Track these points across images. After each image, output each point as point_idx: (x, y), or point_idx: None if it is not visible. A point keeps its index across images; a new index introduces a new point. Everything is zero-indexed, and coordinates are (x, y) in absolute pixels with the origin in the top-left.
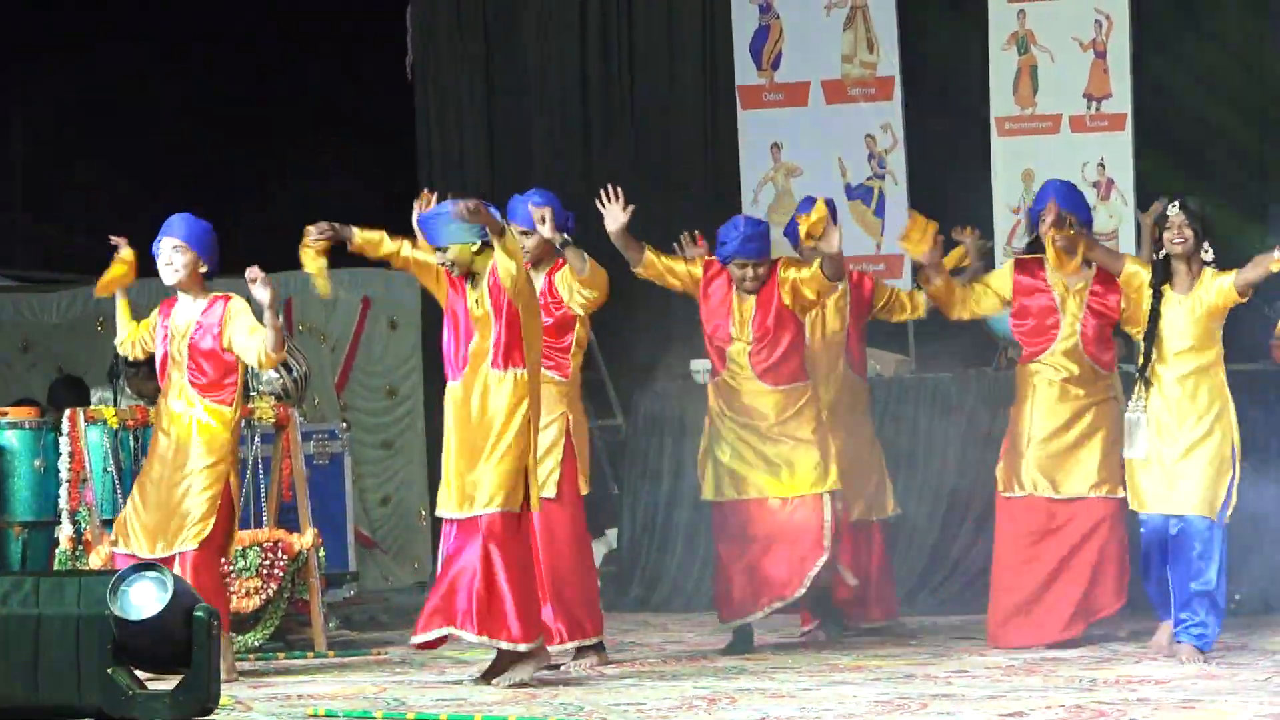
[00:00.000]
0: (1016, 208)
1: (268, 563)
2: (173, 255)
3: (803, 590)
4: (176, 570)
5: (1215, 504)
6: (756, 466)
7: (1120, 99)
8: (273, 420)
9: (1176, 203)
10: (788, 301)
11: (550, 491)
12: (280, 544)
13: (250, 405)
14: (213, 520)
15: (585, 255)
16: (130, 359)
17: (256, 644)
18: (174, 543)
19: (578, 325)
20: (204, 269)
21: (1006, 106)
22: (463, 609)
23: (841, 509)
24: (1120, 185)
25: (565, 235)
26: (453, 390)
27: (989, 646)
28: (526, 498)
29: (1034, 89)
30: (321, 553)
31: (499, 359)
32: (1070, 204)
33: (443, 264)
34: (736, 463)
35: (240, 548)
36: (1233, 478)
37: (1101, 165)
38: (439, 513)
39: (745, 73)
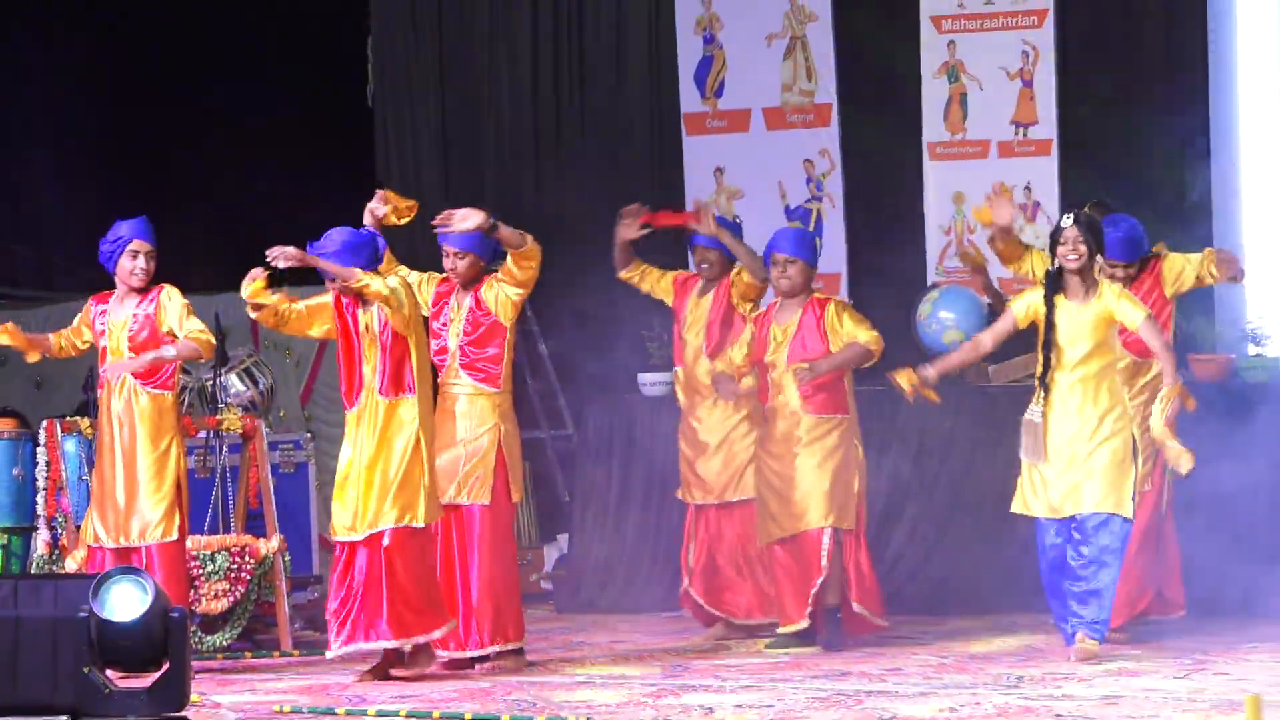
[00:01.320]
0: (948, 228)
1: (235, 566)
2: (145, 260)
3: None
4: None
5: (1123, 500)
6: None
7: (1046, 125)
8: (240, 431)
9: (1071, 217)
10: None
11: (483, 498)
12: (247, 548)
13: (219, 416)
14: (176, 514)
15: (520, 231)
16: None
17: (225, 644)
18: (145, 534)
19: (506, 335)
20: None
21: (938, 132)
22: (375, 620)
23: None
24: (1046, 207)
25: (494, 218)
26: (350, 417)
27: None
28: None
29: (964, 116)
30: (286, 557)
31: (386, 386)
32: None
33: (336, 289)
34: None
35: (209, 552)
36: (1135, 475)
37: (1028, 188)
38: (337, 537)
39: (690, 100)
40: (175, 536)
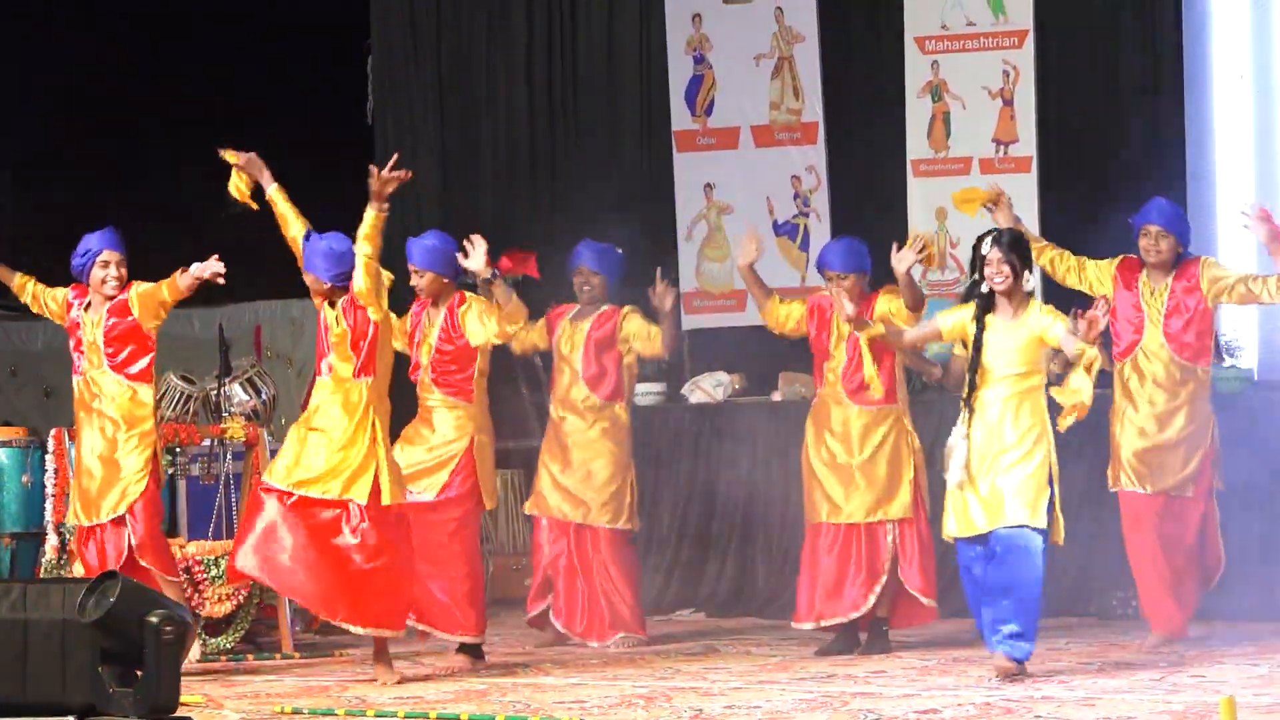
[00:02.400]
0: (931, 243)
1: None
2: (117, 269)
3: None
4: (128, 526)
5: (1038, 514)
6: None
7: (1026, 143)
8: (243, 439)
9: (990, 239)
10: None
11: (430, 496)
12: None
13: (222, 425)
14: (148, 476)
15: (510, 290)
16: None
17: (228, 646)
18: (119, 505)
19: (479, 357)
20: None
21: (921, 150)
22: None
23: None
24: (1026, 222)
25: (495, 269)
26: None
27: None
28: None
29: (947, 134)
30: None
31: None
32: (1171, 222)
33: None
34: None
35: (213, 557)
36: (1051, 498)
37: (1010, 204)
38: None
39: (680, 118)
40: (142, 495)
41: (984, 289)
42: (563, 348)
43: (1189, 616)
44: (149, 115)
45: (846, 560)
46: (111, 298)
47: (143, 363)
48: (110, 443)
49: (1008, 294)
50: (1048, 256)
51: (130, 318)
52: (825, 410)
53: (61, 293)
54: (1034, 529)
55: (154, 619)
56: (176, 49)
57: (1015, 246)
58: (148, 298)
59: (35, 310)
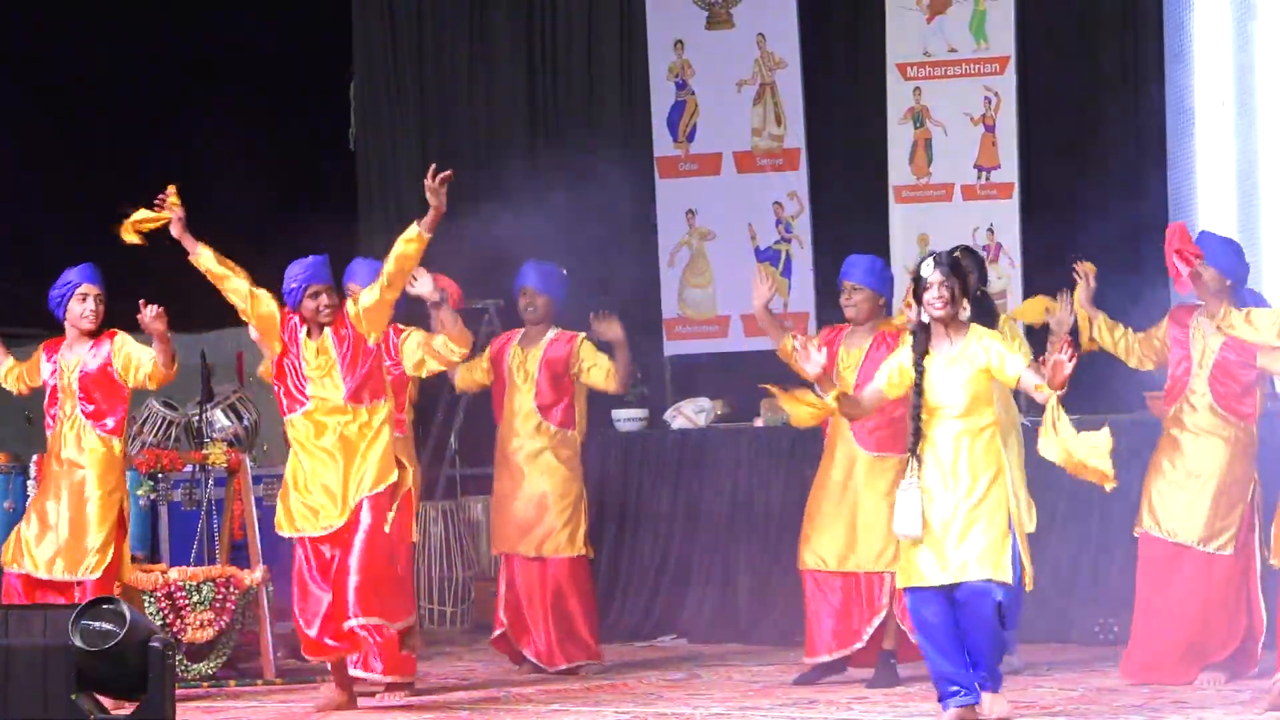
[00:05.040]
0: (913, 269)
1: (220, 597)
2: (95, 303)
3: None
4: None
5: (1000, 568)
6: None
7: (1008, 169)
8: (225, 465)
9: (932, 261)
10: None
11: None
12: (232, 579)
13: (204, 451)
14: (111, 550)
15: (456, 316)
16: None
17: (210, 672)
18: (76, 569)
19: (409, 386)
20: None
21: (903, 176)
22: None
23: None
24: (1008, 248)
25: (443, 292)
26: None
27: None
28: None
29: (929, 160)
30: (270, 588)
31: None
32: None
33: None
34: None
35: (195, 583)
36: (1014, 543)
37: (990, 230)
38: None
39: (663, 144)
40: (99, 575)
41: (923, 318)
42: (515, 375)
43: (1173, 676)
44: (127, 139)
45: (850, 597)
46: (89, 332)
47: (117, 416)
48: (78, 499)
49: (945, 322)
50: (1116, 336)
51: (110, 367)
52: (832, 451)
53: (32, 359)
54: (995, 581)
55: (157, 644)
56: (153, 73)
57: (956, 269)
58: (128, 360)
59: (17, 389)
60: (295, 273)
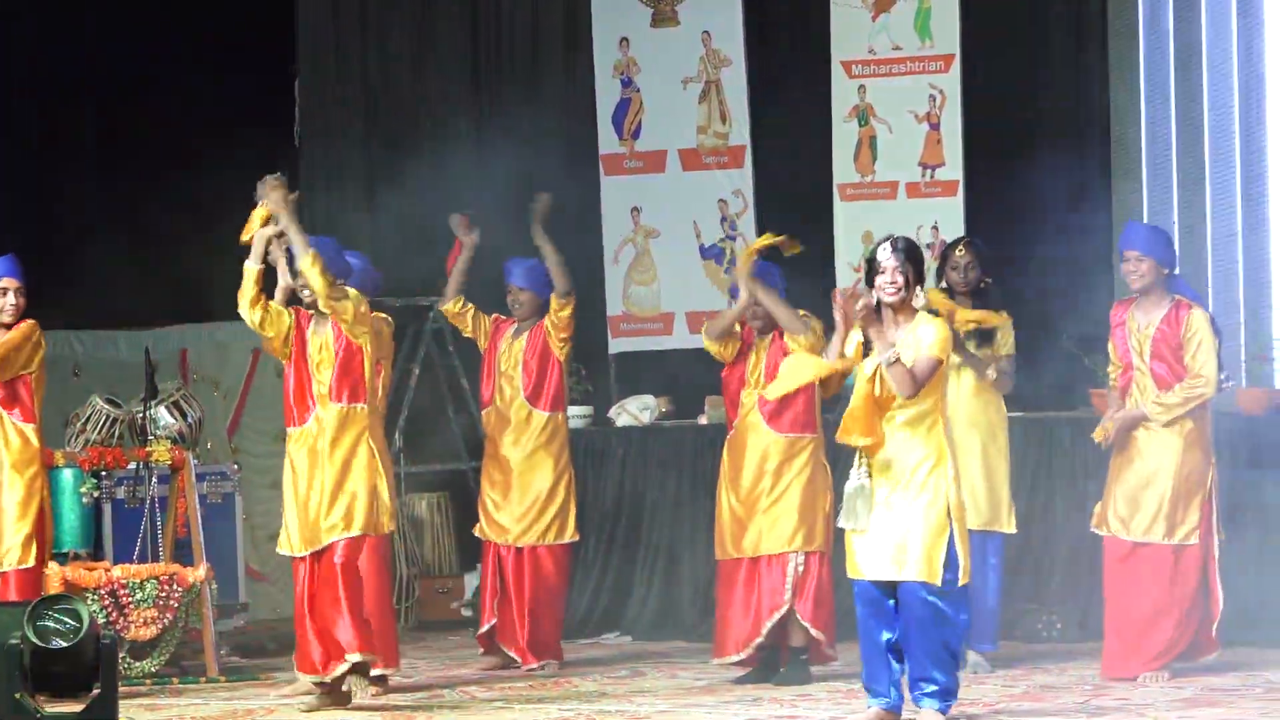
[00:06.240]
0: (857, 266)
1: (164, 594)
2: (15, 297)
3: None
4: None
5: (933, 567)
6: None
7: (952, 167)
8: (169, 462)
9: (888, 246)
10: None
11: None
12: (176, 577)
13: (148, 448)
14: (34, 544)
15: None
16: None
17: (153, 670)
18: (2, 560)
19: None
20: None
21: (848, 174)
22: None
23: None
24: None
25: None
26: (299, 434)
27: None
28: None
29: (873, 158)
30: (214, 585)
31: (341, 396)
32: (1150, 246)
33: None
34: None
35: (138, 580)
36: (951, 536)
37: (935, 228)
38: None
39: (608, 142)
40: (32, 564)
41: (873, 302)
42: (502, 364)
43: (1152, 666)
44: (69, 138)
45: (751, 592)
46: (7, 326)
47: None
48: None
49: (896, 308)
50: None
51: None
52: (743, 439)
53: None
54: (929, 583)
55: (107, 640)
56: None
57: (911, 254)
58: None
59: None
60: None
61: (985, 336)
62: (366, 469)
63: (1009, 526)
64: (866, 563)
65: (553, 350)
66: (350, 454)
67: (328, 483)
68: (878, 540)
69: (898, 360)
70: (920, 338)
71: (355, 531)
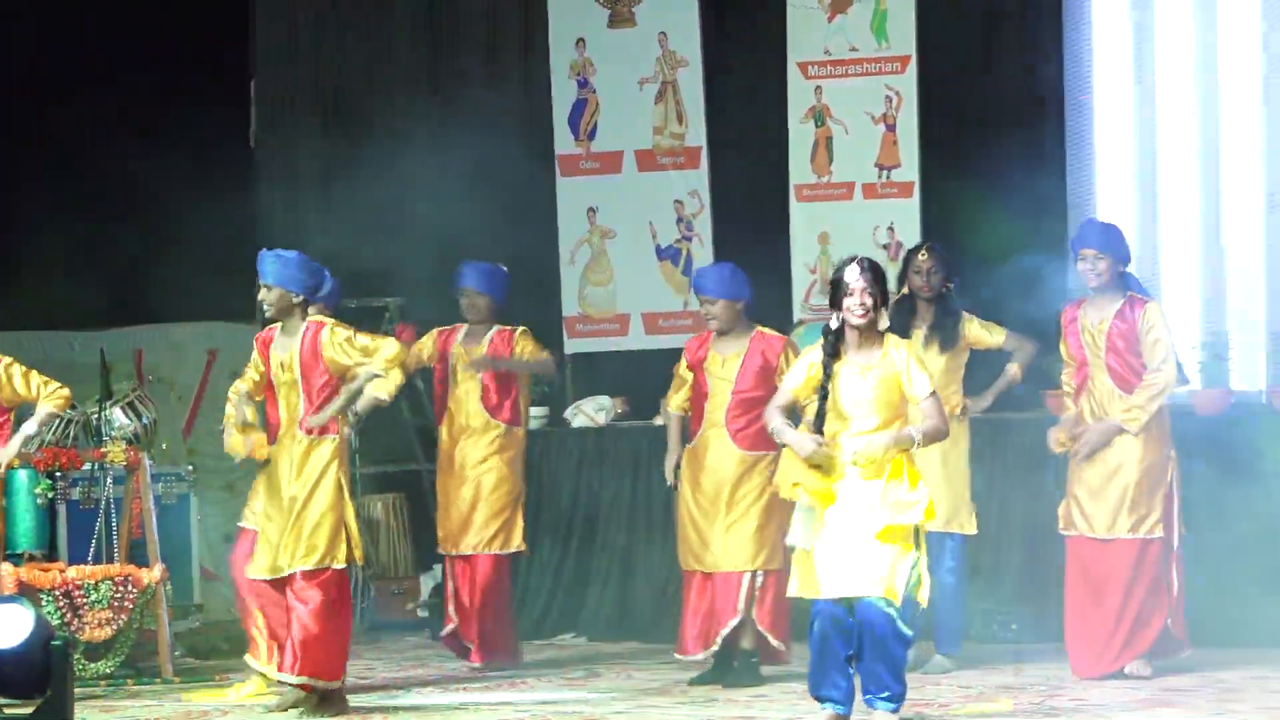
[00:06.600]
0: (813, 267)
1: (118, 595)
2: None
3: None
4: None
5: (895, 585)
6: None
7: (908, 168)
8: (124, 463)
9: (857, 266)
10: None
11: None
12: (130, 578)
13: (103, 449)
14: None
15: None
16: None
17: (108, 671)
18: None
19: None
20: None
21: (804, 175)
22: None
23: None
24: (909, 247)
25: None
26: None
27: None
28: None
29: (830, 159)
30: (168, 586)
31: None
32: (1107, 243)
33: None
34: None
35: (93, 581)
36: (915, 558)
37: (891, 229)
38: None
39: (564, 142)
40: None
41: (834, 324)
42: (459, 374)
43: (1115, 664)
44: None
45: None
46: None
47: None
48: None
49: (862, 330)
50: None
51: None
52: (704, 451)
53: None
54: (889, 600)
55: (58, 642)
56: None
57: (877, 275)
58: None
59: None
60: None
61: (948, 339)
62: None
63: (970, 527)
64: (829, 581)
65: (515, 375)
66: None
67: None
68: (840, 557)
69: (920, 436)
70: (902, 369)
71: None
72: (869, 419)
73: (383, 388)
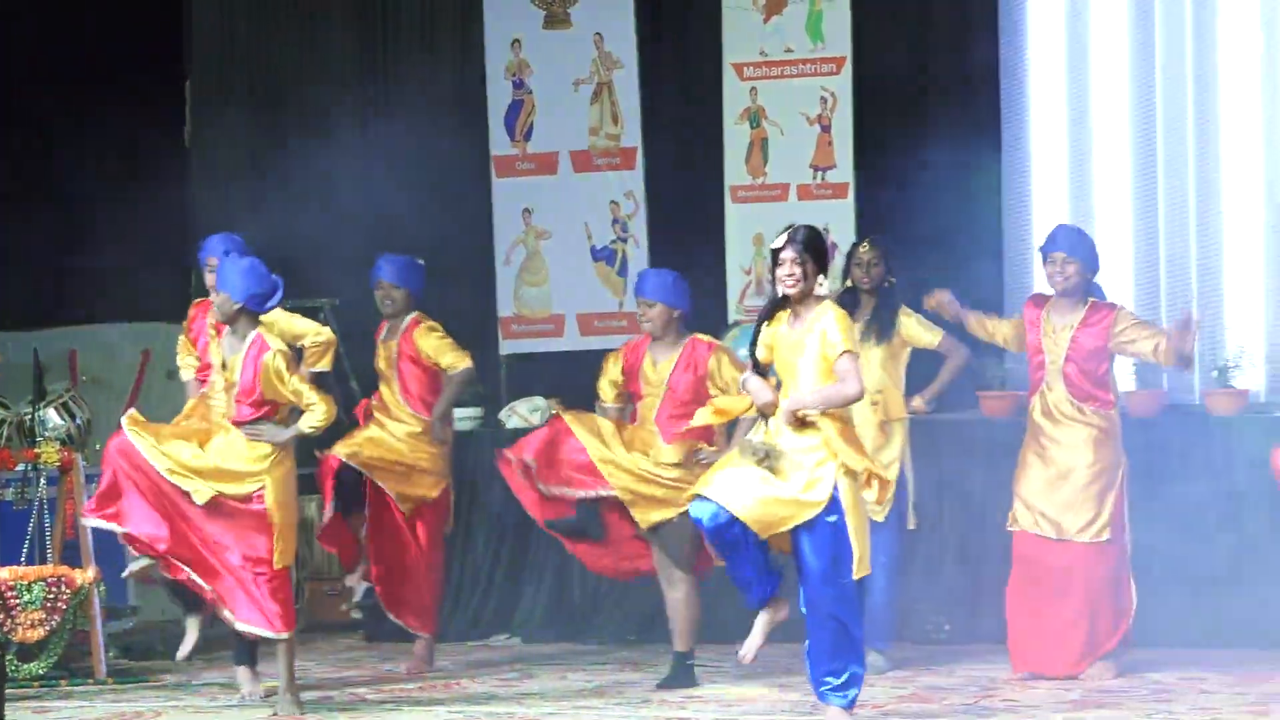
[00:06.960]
0: (748, 269)
1: (51, 596)
2: None
3: None
4: None
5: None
6: None
7: (844, 169)
8: (57, 464)
9: (785, 236)
10: None
11: None
12: (64, 579)
13: (36, 449)
14: None
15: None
16: None
17: (40, 672)
18: None
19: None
20: None
21: (739, 176)
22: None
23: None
24: (844, 249)
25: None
26: None
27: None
28: None
29: (765, 160)
30: (102, 587)
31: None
32: (1075, 248)
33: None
34: None
35: (26, 582)
36: (843, 529)
37: (827, 230)
38: None
39: (500, 143)
40: None
41: (779, 293)
42: (381, 365)
43: (1077, 667)
44: None
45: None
46: None
47: None
48: None
49: (798, 299)
50: (990, 327)
51: None
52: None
53: None
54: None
55: None
56: None
57: (811, 244)
58: None
59: None
60: None
61: (885, 330)
62: None
63: (909, 523)
64: (730, 495)
65: (433, 368)
66: None
67: None
68: (754, 489)
69: (814, 399)
70: (824, 331)
71: None
72: (804, 384)
73: (308, 422)
